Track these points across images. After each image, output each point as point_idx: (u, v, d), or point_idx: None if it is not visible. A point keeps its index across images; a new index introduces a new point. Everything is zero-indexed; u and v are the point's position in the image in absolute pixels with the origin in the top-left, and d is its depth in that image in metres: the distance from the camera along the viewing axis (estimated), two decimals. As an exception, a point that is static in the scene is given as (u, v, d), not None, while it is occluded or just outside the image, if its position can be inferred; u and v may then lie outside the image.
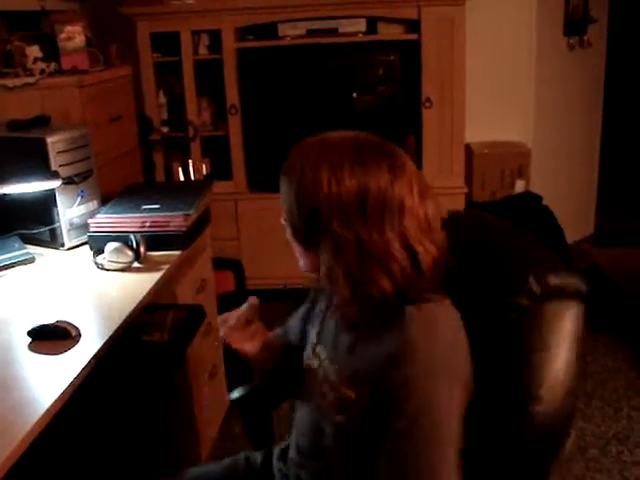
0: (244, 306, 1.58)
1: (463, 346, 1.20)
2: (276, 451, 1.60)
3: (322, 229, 1.21)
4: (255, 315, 1.58)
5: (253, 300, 1.58)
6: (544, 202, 4.04)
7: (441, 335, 1.19)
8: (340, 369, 1.29)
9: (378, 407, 1.17)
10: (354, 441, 1.25)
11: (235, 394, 1.76)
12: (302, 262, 1.34)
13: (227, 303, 3.02)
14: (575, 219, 4.53)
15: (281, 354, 1.62)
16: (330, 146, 1.24)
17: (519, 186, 4.09)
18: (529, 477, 1.23)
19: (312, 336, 1.44)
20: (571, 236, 4.29)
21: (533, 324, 1.21)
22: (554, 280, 1.22)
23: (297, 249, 1.33)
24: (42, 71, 2.79)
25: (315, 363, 1.39)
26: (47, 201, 2.34)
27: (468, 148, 4.05)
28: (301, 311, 1.61)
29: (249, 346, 1.57)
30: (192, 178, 3.99)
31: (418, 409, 1.12)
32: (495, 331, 1.23)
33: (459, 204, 3.86)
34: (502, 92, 4.16)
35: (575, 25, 4.28)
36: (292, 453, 1.48)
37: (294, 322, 1.63)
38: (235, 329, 1.57)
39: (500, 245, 1.42)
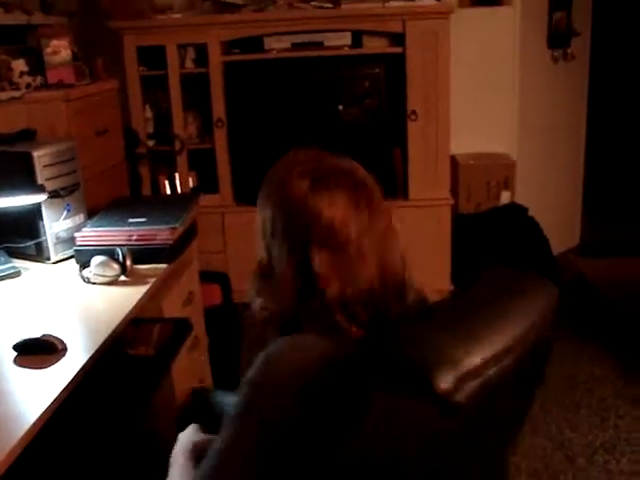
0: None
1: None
2: None
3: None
4: None
5: None
6: (530, 213, 4.07)
7: (272, 372, 1.07)
8: None
9: None
10: None
11: None
12: None
13: (214, 316, 3.03)
14: (561, 230, 4.56)
15: None
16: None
17: (505, 197, 4.12)
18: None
19: None
20: (557, 247, 4.32)
21: None
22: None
23: None
24: (28, 85, 2.79)
25: None
26: (33, 215, 2.34)
27: (454, 160, 4.07)
28: None
29: None
30: (179, 191, 3.99)
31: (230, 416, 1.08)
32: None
33: (445, 216, 3.89)
34: (487, 104, 4.19)
35: (559, 38, 4.32)
36: None
37: None
38: None
39: None
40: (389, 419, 1.00)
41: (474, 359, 1.01)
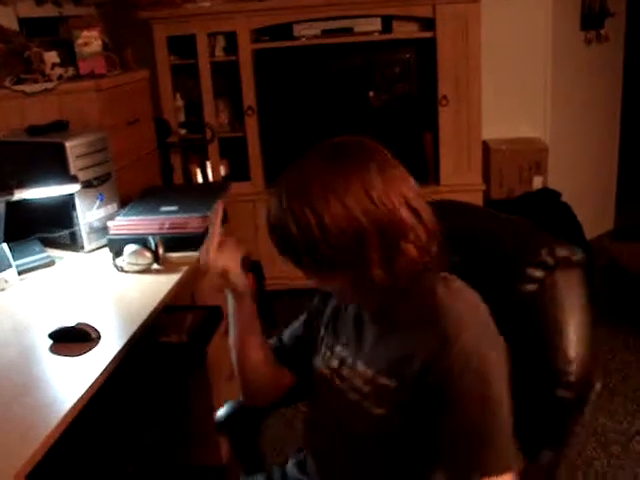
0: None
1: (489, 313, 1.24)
2: (290, 465, 1.58)
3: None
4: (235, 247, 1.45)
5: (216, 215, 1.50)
6: (563, 198, 4.03)
7: (476, 304, 1.24)
8: (371, 362, 1.29)
9: (428, 390, 1.18)
10: (395, 430, 1.25)
11: (221, 414, 1.69)
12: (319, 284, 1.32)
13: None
14: (594, 214, 4.50)
15: (273, 361, 1.55)
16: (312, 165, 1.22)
17: (537, 182, 4.08)
18: (555, 433, 1.36)
19: (328, 339, 1.43)
20: (591, 231, 4.27)
21: (550, 293, 1.31)
22: (561, 252, 1.33)
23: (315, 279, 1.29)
24: (60, 76, 2.82)
25: (335, 363, 1.38)
26: (66, 205, 2.37)
27: (485, 145, 4.04)
28: (303, 318, 1.56)
29: (238, 271, 1.43)
30: (210, 180, 4.01)
31: (475, 378, 1.14)
32: (513, 306, 1.31)
33: (477, 201, 3.85)
34: (518, 88, 4.15)
35: (592, 19, 4.25)
36: (310, 462, 1.47)
37: (292, 330, 1.57)
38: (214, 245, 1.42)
39: (489, 228, 1.49)
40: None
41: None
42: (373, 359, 1.29)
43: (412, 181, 1.23)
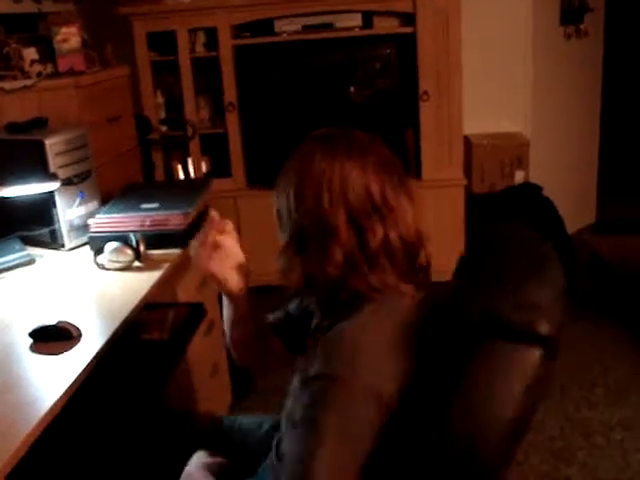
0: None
1: (387, 355, 1.18)
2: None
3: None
4: (230, 238, 1.46)
5: (213, 213, 1.47)
6: (544, 192, 4.05)
7: (376, 340, 1.19)
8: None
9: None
10: None
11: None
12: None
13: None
14: (576, 208, 4.53)
15: (268, 337, 1.59)
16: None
17: (519, 177, 4.10)
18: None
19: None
20: (572, 226, 4.29)
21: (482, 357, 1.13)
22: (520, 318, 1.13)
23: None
24: (39, 73, 2.79)
25: None
26: (47, 202, 2.35)
27: (466, 140, 4.05)
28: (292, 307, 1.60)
29: (232, 277, 1.44)
30: (192, 176, 4.00)
31: (312, 400, 1.14)
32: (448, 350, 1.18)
33: (459, 196, 3.87)
34: (499, 83, 4.16)
35: (571, 14, 4.27)
36: None
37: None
38: (208, 248, 1.42)
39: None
40: (496, 367, 1.11)
41: (554, 305, 1.15)
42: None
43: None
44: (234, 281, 1.44)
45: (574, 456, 2.62)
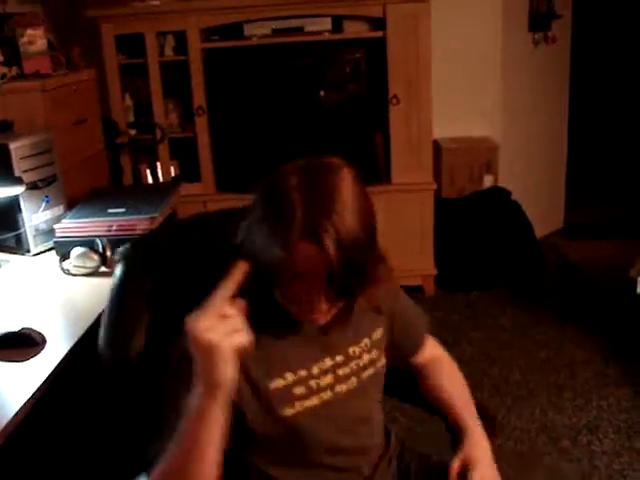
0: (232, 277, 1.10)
1: None
2: None
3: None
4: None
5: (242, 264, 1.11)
6: (513, 197, 4.08)
7: None
8: (356, 339, 1.39)
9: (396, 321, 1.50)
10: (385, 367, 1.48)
11: None
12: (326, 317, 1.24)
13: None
14: (544, 213, 4.57)
15: None
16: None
17: (487, 181, 4.13)
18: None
19: (289, 378, 1.31)
20: (541, 230, 4.33)
21: None
22: None
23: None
24: (4, 75, 2.76)
25: (326, 380, 1.34)
26: (11, 207, 2.33)
27: (436, 144, 4.07)
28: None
29: (229, 360, 1.08)
30: (160, 180, 3.96)
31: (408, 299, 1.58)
32: None
33: (428, 200, 3.88)
34: (469, 88, 4.19)
35: (539, 21, 4.31)
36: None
37: None
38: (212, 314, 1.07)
39: None
40: None
41: None
42: (356, 336, 1.39)
43: None
44: (229, 368, 1.09)
45: (541, 461, 2.64)
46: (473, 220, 4.01)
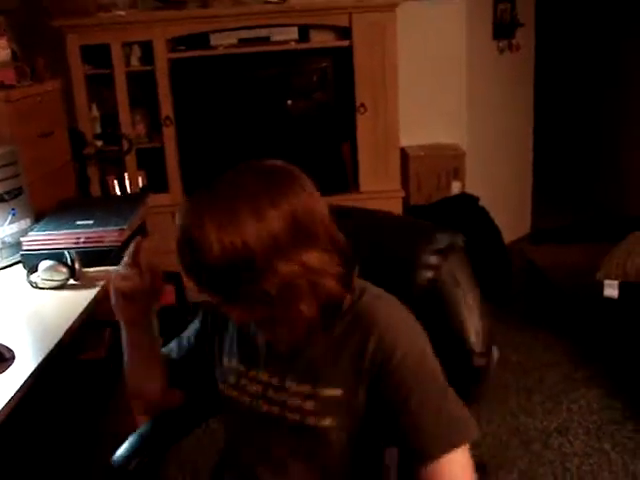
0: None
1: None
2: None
3: (255, 277, 1.15)
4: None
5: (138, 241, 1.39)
6: (480, 203, 4.11)
7: (397, 302, 1.30)
8: (306, 377, 1.28)
9: (380, 394, 1.23)
10: (340, 436, 1.27)
11: (120, 454, 1.54)
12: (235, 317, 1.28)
13: (168, 315, 3.00)
14: (511, 218, 4.62)
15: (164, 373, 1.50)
16: (226, 194, 1.18)
17: (455, 188, 4.16)
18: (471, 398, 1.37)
19: (235, 363, 1.39)
20: (509, 235, 4.37)
21: (448, 276, 1.43)
22: (446, 238, 1.47)
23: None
24: (-33, 87, 2.72)
25: (256, 388, 1.34)
26: (-24, 221, 2.29)
27: (403, 152, 4.09)
28: (194, 329, 1.51)
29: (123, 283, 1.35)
30: (128, 191, 3.94)
31: (421, 377, 1.23)
32: (417, 294, 1.41)
33: (396, 208, 3.90)
34: (435, 96, 4.22)
35: (503, 29, 4.37)
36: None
37: (182, 342, 1.53)
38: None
39: (374, 227, 1.58)
40: None
41: None
42: (308, 374, 1.29)
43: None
44: (113, 300, 1.37)
45: (513, 463, 2.66)
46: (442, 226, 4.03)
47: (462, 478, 1.22)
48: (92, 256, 2.21)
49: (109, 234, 2.26)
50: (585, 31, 5.56)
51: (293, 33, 3.78)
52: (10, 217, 2.35)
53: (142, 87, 3.93)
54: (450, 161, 4.17)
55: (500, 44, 4.38)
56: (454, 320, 1.42)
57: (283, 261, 1.14)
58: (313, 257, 1.17)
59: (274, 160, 1.25)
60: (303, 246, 1.16)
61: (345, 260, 1.23)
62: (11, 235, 2.36)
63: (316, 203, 1.20)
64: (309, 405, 1.27)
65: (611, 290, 3.28)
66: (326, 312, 1.24)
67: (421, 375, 1.22)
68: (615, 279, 3.27)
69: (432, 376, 1.24)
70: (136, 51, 3.85)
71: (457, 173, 4.16)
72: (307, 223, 1.17)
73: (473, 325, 1.42)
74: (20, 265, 2.30)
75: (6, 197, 2.33)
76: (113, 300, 1.37)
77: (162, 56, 3.77)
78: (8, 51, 2.83)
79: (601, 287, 3.31)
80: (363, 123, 3.84)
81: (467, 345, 1.41)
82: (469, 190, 4.17)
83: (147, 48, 3.81)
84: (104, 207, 2.64)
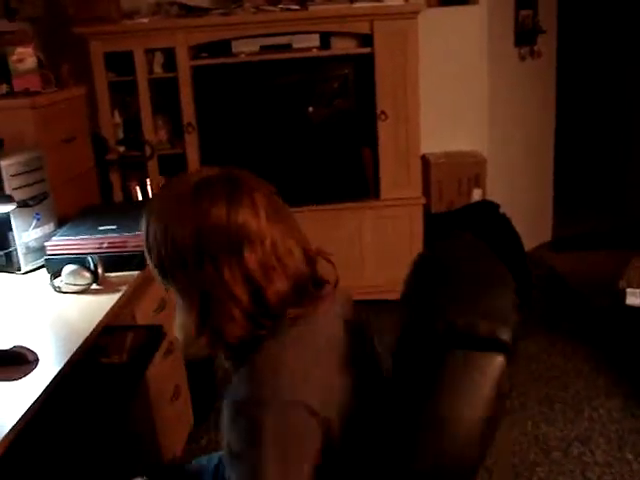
0: None
1: (309, 374, 1.17)
2: None
3: (170, 280, 1.22)
4: None
5: None
6: (501, 210, 4.09)
7: (282, 363, 1.16)
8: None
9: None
10: None
11: None
12: None
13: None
14: (532, 226, 4.59)
15: None
16: (169, 194, 1.23)
17: (476, 195, 4.15)
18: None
19: None
20: (529, 243, 4.35)
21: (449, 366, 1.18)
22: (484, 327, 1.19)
23: None
24: (-7, 93, 2.77)
25: None
26: (2, 225, 2.33)
27: (424, 159, 4.09)
28: None
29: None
30: (150, 197, 3.97)
31: (242, 438, 1.12)
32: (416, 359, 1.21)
33: (417, 215, 3.90)
34: (456, 103, 4.22)
35: (525, 36, 4.36)
36: None
37: None
38: None
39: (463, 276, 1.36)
40: (464, 374, 1.16)
41: (511, 314, 1.21)
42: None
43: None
44: None
45: (533, 472, 2.64)
46: (460, 232, 4.02)
47: None
48: (115, 261, 2.23)
49: (132, 239, 2.28)
50: (607, 38, 5.53)
51: (314, 40, 3.79)
52: (35, 222, 2.38)
53: (164, 93, 3.96)
54: (471, 168, 4.16)
55: (522, 51, 4.37)
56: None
57: (182, 272, 1.19)
58: (212, 280, 1.17)
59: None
60: (202, 266, 1.17)
61: (256, 300, 1.19)
62: (35, 240, 2.39)
63: (233, 216, 1.18)
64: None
65: (633, 298, 3.26)
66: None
67: (246, 431, 1.12)
68: (637, 287, 3.25)
69: (250, 454, 1.11)
70: (159, 58, 3.88)
71: (478, 180, 4.15)
72: (211, 240, 1.17)
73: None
74: (44, 269, 2.33)
75: (31, 202, 2.36)
76: None
77: (184, 63, 3.80)
78: (34, 58, 2.87)
79: (623, 295, 3.29)
80: (384, 130, 3.84)
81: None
82: (490, 197, 4.16)
83: (170, 55, 3.84)
84: (127, 212, 2.67)
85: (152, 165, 3.94)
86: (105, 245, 2.28)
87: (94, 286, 2.16)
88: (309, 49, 3.80)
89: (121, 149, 3.99)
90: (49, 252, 2.30)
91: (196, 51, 3.87)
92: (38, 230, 2.40)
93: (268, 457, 1.09)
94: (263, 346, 1.17)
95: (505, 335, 1.17)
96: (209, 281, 1.17)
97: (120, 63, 3.85)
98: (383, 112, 3.81)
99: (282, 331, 1.19)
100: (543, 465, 2.68)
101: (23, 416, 1.47)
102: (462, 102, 4.22)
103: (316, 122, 3.91)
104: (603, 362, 3.36)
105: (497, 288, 1.30)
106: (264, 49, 3.80)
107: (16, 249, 2.34)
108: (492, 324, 1.18)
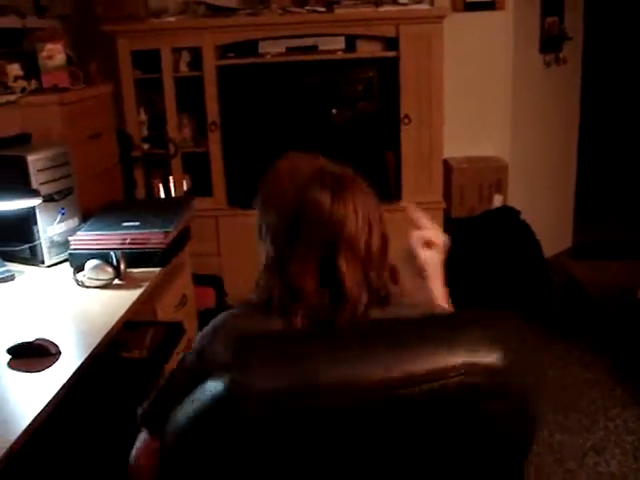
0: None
1: None
2: None
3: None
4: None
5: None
6: (522, 216, 4.09)
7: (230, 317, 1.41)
8: None
9: None
10: None
11: None
12: None
13: (207, 319, 3.05)
14: (553, 233, 4.58)
15: None
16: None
17: (497, 201, 4.14)
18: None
19: None
20: (549, 250, 4.34)
21: None
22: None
23: None
24: (23, 89, 2.80)
25: None
26: (27, 219, 2.35)
27: (446, 163, 4.09)
28: None
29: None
30: (173, 195, 4.00)
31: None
32: None
33: (438, 219, 3.90)
34: (480, 108, 4.21)
35: (551, 43, 4.35)
36: None
37: None
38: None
39: None
40: None
41: None
42: None
43: None
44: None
45: (548, 480, 2.65)
46: (483, 240, 4.02)
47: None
48: (137, 257, 2.26)
49: (155, 236, 2.31)
50: (634, 45, 5.51)
51: (340, 43, 3.81)
52: (59, 217, 2.41)
53: (189, 92, 3.99)
54: (493, 173, 4.16)
55: (547, 57, 4.36)
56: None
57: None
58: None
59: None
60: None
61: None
62: (59, 234, 2.42)
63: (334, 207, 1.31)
64: None
65: (652, 309, 3.25)
66: None
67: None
68: (657, 298, 3.24)
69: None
70: (185, 57, 3.91)
71: (499, 185, 4.15)
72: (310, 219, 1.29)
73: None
74: (67, 263, 2.36)
75: (56, 197, 2.39)
76: None
77: (210, 62, 3.82)
78: (63, 55, 2.91)
79: (642, 305, 3.28)
80: (407, 134, 3.85)
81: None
82: (511, 203, 4.15)
83: (196, 54, 3.87)
84: (150, 209, 2.70)
85: (176, 163, 3.97)
86: (128, 241, 2.31)
87: (116, 281, 2.18)
88: (334, 51, 3.81)
89: (145, 146, 4.03)
90: (73, 247, 2.33)
91: (222, 51, 3.90)
92: (63, 224, 2.43)
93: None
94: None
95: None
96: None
97: (147, 61, 3.89)
98: (407, 116, 3.82)
99: None
100: (557, 474, 2.68)
101: (45, 407, 1.50)
102: (485, 107, 4.22)
103: (340, 124, 3.93)
104: (620, 372, 3.35)
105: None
106: (290, 50, 3.82)
107: (40, 243, 2.37)
108: None
